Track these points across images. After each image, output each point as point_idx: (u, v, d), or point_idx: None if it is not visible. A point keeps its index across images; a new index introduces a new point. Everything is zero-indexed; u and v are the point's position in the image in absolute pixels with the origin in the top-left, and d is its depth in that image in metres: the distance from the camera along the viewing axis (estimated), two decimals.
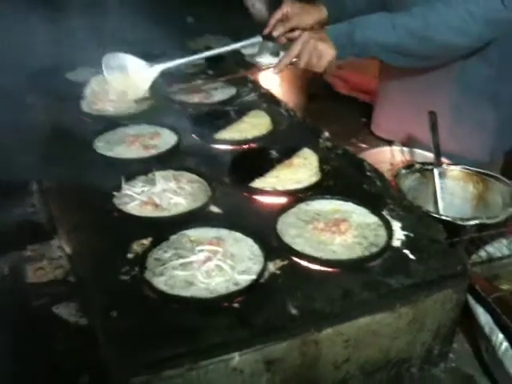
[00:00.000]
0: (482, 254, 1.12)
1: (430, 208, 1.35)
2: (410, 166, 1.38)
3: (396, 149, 1.60)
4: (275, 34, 1.64)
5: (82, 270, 0.98)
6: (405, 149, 1.60)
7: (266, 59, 2.14)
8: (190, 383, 0.79)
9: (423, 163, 1.39)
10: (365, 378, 0.96)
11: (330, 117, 2.18)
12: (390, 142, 1.69)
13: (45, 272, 1.36)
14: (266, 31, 1.65)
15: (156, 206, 1.14)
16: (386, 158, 1.60)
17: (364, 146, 1.89)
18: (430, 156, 1.49)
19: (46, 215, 1.29)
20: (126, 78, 1.58)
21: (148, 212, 1.12)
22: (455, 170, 1.37)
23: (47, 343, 1.20)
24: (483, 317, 0.98)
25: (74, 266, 1.07)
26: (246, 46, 1.71)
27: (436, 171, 1.35)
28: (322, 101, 2.33)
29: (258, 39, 1.67)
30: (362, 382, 0.96)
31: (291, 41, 1.65)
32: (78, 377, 1.11)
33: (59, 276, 1.36)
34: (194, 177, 1.25)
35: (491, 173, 1.33)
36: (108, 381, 0.84)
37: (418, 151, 1.58)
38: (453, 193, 1.38)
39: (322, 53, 1.39)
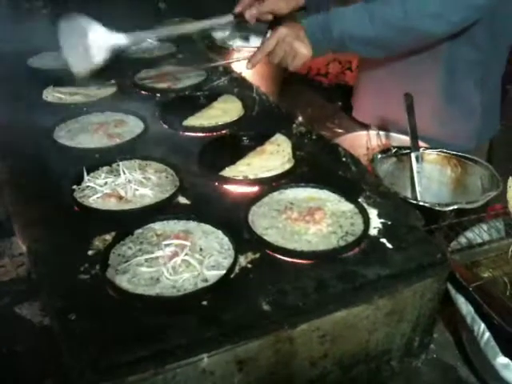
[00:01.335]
0: (462, 240, 1.08)
1: (407, 193, 1.32)
2: (386, 151, 1.34)
3: (372, 133, 1.56)
4: (247, 16, 1.55)
5: (38, 270, 0.91)
6: (381, 133, 1.56)
7: (236, 43, 2.07)
8: None
9: (400, 147, 1.35)
10: (343, 373, 0.92)
11: (305, 101, 2.14)
12: (366, 126, 1.65)
13: (6, 270, 1.30)
14: (238, 9, 1.56)
15: (120, 198, 1.07)
16: (363, 142, 1.56)
17: (340, 130, 1.85)
18: (406, 140, 1.45)
19: (4, 210, 1.22)
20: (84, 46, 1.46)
21: (112, 205, 1.06)
22: (432, 154, 1.34)
23: (9, 346, 1.14)
24: (464, 306, 0.95)
25: (31, 265, 0.99)
26: (216, 24, 1.62)
27: (413, 155, 1.31)
28: (296, 85, 2.28)
29: (228, 18, 1.58)
30: (340, 377, 0.92)
31: (259, 21, 1.58)
32: (41, 381, 1.06)
33: (22, 274, 1.30)
34: (161, 166, 1.18)
35: (470, 156, 1.30)
36: None
37: (394, 135, 1.54)
38: (430, 177, 1.35)
39: (298, 52, 1.33)
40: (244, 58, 1.46)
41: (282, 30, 1.34)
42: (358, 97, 1.78)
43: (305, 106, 1.94)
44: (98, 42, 1.40)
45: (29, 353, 1.12)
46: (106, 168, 1.16)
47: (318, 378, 0.89)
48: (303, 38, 1.33)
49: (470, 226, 1.12)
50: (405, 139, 1.47)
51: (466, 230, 1.11)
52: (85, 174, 1.12)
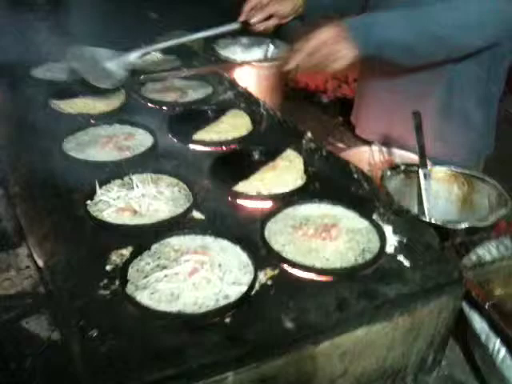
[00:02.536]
0: (473, 257, 1.09)
1: (415, 210, 1.32)
2: (394, 167, 1.35)
3: (375, 149, 1.57)
4: (253, 20, 1.59)
5: (56, 285, 0.90)
6: (384, 149, 1.57)
7: (238, 56, 2.07)
8: None
9: (408, 164, 1.36)
10: None
11: (305, 115, 2.15)
12: (368, 142, 1.66)
13: (12, 283, 1.27)
14: (242, 18, 1.60)
15: (135, 212, 1.06)
16: (365, 158, 1.57)
17: (341, 145, 1.86)
18: (409, 156, 1.47)
19: (13, 222, 1.20)
20: (101, 69, 1.49)
21: (126, 219, 1.05)
22: (440, 172, 1.35)
23: (17, 361, 1.12)
24: (478, 324, 0.96)
25: (46, 279, 0.98)
26: (223, 32, 1.64)
27: (421, 172, 1.32)
28: (296, 99, 2.29)
29: (235, 26, 1.62)
30: None
31: (265, 29, 1.64)
32: None
33: (28, 287, 1.27)
34: (174, 180, 1.18)
35: (477, 174, 1.31)
36: None
37: (396, 151, 1.55)
38: (437, 195, 1.36)
39: (342, 54, 1.27)
40: (247, 63, 1.47)
41: (324, 32, 1.28)
42: (361, 115, 1.79)
43: (305, 121, 1.95)
44: (115, 65, 1.44)
45: (37, 368, 1.10)
46: (117, 181, 1.15)
47: None
48: (348, 39, 1.28)
49: (479, 242, 1.13)
50: (407, 155, 1.49)
51: (475, 247, 1.12)
52: (97, 187, 1.11)
